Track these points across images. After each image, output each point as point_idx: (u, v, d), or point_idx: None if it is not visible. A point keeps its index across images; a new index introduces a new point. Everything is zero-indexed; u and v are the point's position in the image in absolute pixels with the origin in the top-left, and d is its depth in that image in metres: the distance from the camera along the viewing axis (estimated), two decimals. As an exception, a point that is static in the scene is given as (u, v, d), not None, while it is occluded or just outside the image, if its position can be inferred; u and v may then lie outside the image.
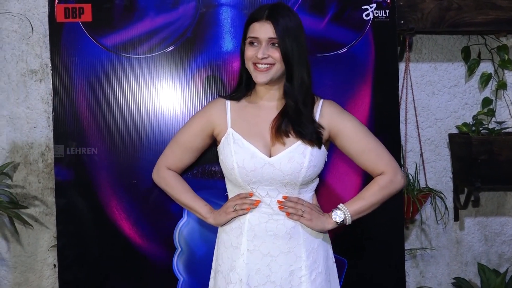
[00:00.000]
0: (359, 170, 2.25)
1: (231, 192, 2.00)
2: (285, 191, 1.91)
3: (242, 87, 2.00)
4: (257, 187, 1.90)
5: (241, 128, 1.92)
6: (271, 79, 1.89)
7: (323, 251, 2.01)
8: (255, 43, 1.88)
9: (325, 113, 1.98)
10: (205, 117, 2.02)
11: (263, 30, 1.86)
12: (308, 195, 1.99)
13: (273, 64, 1.87)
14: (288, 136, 1.90)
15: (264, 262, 1.90)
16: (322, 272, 1.97)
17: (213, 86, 2.37)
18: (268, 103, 1.98)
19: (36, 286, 2.98)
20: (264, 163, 1.87)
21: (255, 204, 1.90)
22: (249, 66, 1.90)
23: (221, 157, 1.94)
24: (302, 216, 1.91)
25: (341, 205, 1.98)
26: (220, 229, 2.03)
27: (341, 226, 1.99)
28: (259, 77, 1.88)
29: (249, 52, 1.89)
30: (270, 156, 1.89)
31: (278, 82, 1.95)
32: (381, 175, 2.00)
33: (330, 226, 1.97)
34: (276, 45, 1.86)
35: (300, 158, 1.88)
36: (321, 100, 2.01)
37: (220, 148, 1.95)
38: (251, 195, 1.91)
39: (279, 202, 1.90)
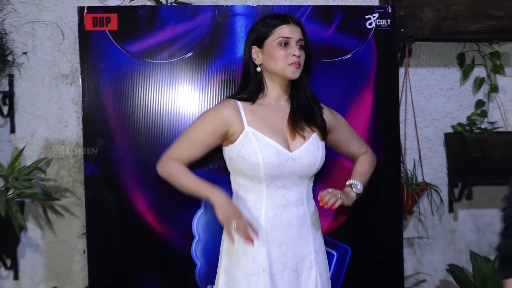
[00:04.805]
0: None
1: (242, 187, 1.93)
2: (298, 182, 1.91)
3: (253, 89, 1.95)
4: (277, 180, 1.88)
5: (259, 127, 1.88)
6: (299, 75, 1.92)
7: (321, 236, 2.03)
8: (285, 44, 1.87)
9: (324, 112, 2.01)
10: (220, 118, 1.91)
11: (294, 32, 1.89)
12: (311, 185, 2.01)
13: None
14: (304, 131, 1.92)
15: (281, 250, 1.88)
16: (323, 254, 2.01)
17: (229, 89, 2.35)
18: (279, 103, 1.96)
19: (68, 270, 2.99)
20: (287, 158, 1.86)
21: (246, 239, 1.82)
22: (279, 65, 1.88)
23: (241, 153, 1.87)
24: (339, 197, 1.91)
25: (352, 180, 2.07)
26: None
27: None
28: (296, 73, 1.89)
29: (282, 52, 1.87)
30: (290, 151, 1.88)
31: (288, 84, 1.95)
32: (366, 154, 2.16)
33: (355, 197, 2.04)
34: (300, 47, 1.90)
35: (316, 151, 1.91)
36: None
37: (237, 146, 1.88)
38: (256, 233, 1.85)
39: (320, 199, 1.89)
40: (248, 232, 1.83)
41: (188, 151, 1.95)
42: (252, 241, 1.83)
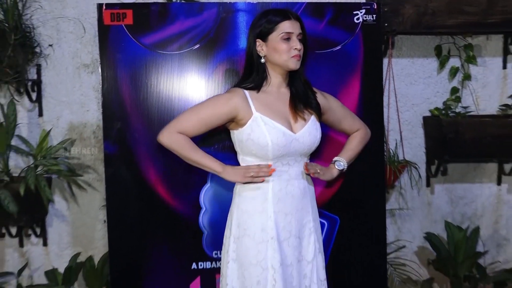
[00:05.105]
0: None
1: (251, 164, 1.91)
2: (299, 159, 1.91)
3: (257, 79, 1.92)
4: (282, 159, 1.87)
5: (266, 112, 1.86)
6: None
7: (316, 207, 2.03)
8: (288, 38, 1.85)
9: (317, 95, 2.00)
10: (231, 104, 1.86)
11: (295, 27, 1.86)
12: (308, 161, 2.00)
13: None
14: (303, 113, 1.92)
15: (287, 220, 1.88)
16: (318, 222, 2.01)
17: (232, 77, 2.35)
18: (280, 90, 1.94)
19: (90, 238, 3.00)
20: (292, 138, 1.85)
21: (269, 173, 1.85)
22: (282, 57, 1.86)
23: (251, 136, 1.85)
24: (318, 172, 1.94)
25: (337, 157, 2.08)
26: (238, 201, 1.94)
27: (336, 183, 2.14)
28: (297, 64, 1.88)
29: (285, 46, 1.85)
30: (293, 133, 1.87)
31: (287, 73, 1.93)
32: (358, 131, 2.13)
33: (336, 173, 2.05)
34: (300, 40, 1.87)
35: (315, 132, 1.91)
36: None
37: (246, 130, 1.86)
38: (269, 166, 1.86)
39: (306, 166, 1.92)
40: (264, 171, 1.85)
41: (194, 126, 1.89)
42: (273, 170, 1.86)
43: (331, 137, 2.39)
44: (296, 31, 1.87)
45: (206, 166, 1.92)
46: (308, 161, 1.98)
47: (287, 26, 1.85)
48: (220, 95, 1.97)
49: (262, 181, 1.86)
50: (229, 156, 2.28)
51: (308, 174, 1.94)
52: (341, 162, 2.06)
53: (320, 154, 2.33)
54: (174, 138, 1.88)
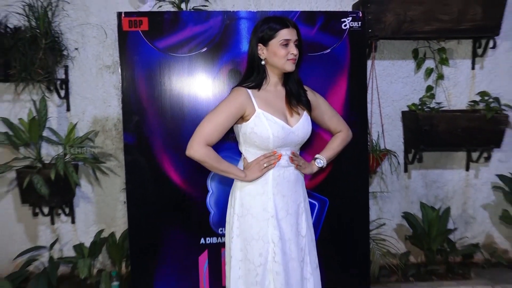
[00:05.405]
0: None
1: (253, 155, 1.90)
2: (293, 149, 1.92)
3: (258, 79, 1.90)
4: (280, 149, 1.87)
5: (267, 108, 1.85)
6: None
7: (305, 189, 2.03)
8: (286, 44, 1.84)
9: (308, 93, 1.99)
10: (238, 103, 1.84)
11: (293, 34, 1.85)
12: (299, 151, 2.01)
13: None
14: (297, 107, 1.91)
15: (284, 201, 1.89)
16: (308, 202, 2.03)
17: (235, 77, 2.35)
18: (276, 88, 1.93)
19: (112, 216, 3.02)
20: (289, 131, 1.85)
21: (278, 158, 1.86)
22: (281, 61, 1.85)
23: (254, 130, 1.84)
24: (300, 165, 1.94)
25: (319, 155, 2.04)
26: (240, 184, 1.92)
27: (321, 170, 2.07)
28: (293, 67, 1.87)
29: (283, 51, 1.84)
30: (290, 126, 1.87)
31: (282, 73, 1.93)
32: (341, 132, 2.09)
33: (315, 169, 2.03)
34: (296, 45, 1.87)
35: (308, 126, 1.91)
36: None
37: (250, 125, 1.84)
38: (275, 153, 1.86)
39: (292, 155, 1.90)
40: (273, 158, 1.86)
41: (215, 134, 1.82)
42: (280, 155, 1.87)
43: (319, 134, 2.40)
44: (293, 38, 1.86)
45: (232, 174, 1.88)
46: (298, 152, 1.99)
47: (286, 34, 1.84)
48: (227, 98, 1.89)
49: (275, 165, 1.87)
50: (231, 145, 2.29)
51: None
52: (321, 160, 2.03)
53: (310, 148, 2.34)
54: (204, 152, 1.82)
